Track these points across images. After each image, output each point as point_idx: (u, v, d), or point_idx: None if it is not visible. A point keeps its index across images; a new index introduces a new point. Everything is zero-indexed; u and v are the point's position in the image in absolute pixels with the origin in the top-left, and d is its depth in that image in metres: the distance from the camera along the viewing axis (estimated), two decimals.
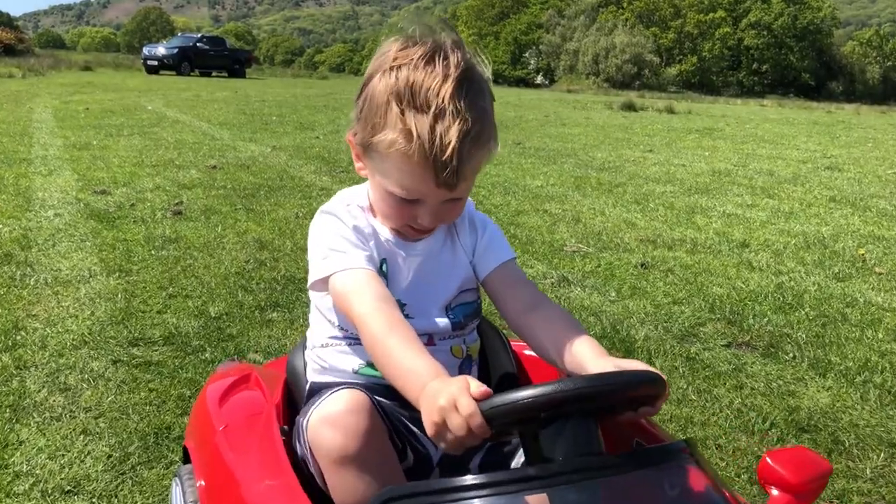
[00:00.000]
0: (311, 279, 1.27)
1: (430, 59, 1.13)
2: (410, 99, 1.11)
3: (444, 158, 1.10)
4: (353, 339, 1.31)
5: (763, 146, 12.10)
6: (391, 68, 1.15)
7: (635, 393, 1.01)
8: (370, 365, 1.30)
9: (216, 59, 32.89)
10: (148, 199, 5.71)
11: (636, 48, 51.89)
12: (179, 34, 48.28)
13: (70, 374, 2.66)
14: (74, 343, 2.94)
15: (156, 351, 2.90)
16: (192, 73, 31.21)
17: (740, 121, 18.57)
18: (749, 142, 12.75)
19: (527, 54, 63.02)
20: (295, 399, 1.41)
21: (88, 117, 11.31)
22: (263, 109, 14.54)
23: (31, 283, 3.65)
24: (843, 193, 7.53)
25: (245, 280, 3.84)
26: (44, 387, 2.55)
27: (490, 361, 1.55)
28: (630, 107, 21.27)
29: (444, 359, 1.32)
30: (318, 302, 1.36)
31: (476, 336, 1.43)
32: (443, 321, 1.34)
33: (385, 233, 1.32)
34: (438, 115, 1.10)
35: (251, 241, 4.62)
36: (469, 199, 1.37)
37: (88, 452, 2.14)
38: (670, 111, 20.84)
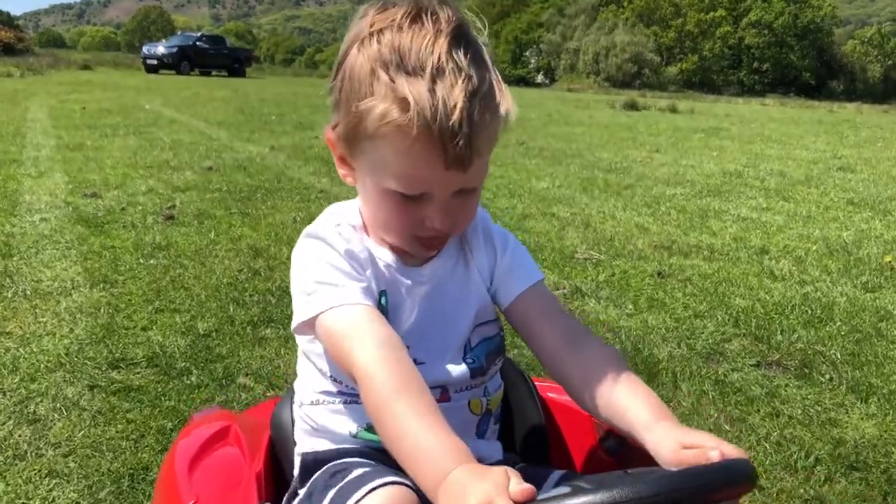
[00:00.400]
0: (295, 321, 1.01)
1: (415, 18, 0.91)
2: (399, 63, 0.89)
3: (451, 124, 0.87)
4: (350, 396, 1.07)
5: (771, 146, 11.84)
6: (371, 34, 0.92)
7: (733, 491, 0.77)
8: (371, 429, 1.05)
9: (216, 58, 32.67)
10: (140, 202, 5.47)
11: (637, 47, 51.59)
12: (179, 33, 47.98)
13: (41, 402, 2.42)
14: (49, 365, 2.69)
15: (137, 374, 2.65)
16: (191, 73, 30.98)
17: (745, 120, 18.31)
18: (756, 141, 12.50)
19: (527, 53, 62.68)
20: (282, 463, 1.17)
21: (84, 117, 11.08)
22: (263, 108, 14.29)
23: (9, 296, 3.41)
24: (861, 196, 7.27)
25: (237, 292, 3.60)
26: (10, 418, 2.31)
27: (514, 413, 1.29)
28: (633, 106, 21.03)
29: (459, 418, 1.07)
30: (306, 347, 1.11)
31: (500, 382, 1.18)
32: (459, 368, 1.08)
33: (385, 256, 1.06)
34: (436, 75, 0.88)
35: (245, 248, 4.38)
36: (483, 210, 1.13)
37: (53, 500, 1.89)
38: (673, 110, 20.62)
